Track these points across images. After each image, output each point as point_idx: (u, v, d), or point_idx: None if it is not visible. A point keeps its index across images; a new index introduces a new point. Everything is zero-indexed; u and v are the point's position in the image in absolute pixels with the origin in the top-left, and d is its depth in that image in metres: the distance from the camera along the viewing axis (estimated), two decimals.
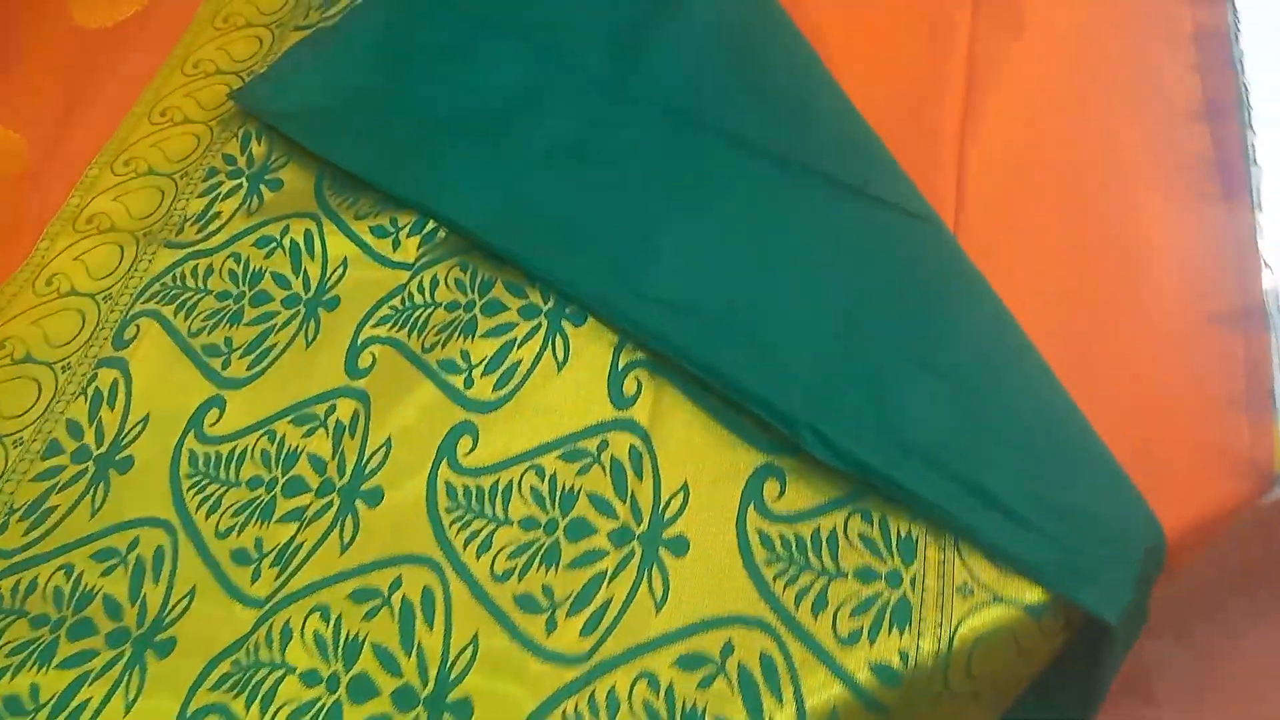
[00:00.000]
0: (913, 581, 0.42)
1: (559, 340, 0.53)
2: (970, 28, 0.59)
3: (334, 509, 0.49)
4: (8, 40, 0.79)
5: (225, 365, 0.56)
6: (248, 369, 0.56)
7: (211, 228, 0.63)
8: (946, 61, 0.58)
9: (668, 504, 0.46)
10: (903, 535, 0.44)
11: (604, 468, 0.48)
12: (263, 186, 0.64)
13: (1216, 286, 0.47)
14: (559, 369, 0.52)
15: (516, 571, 0.46)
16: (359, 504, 0.49)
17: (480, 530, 0.47)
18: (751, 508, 0.46)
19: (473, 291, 0.55)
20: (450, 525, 0.48)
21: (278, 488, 0.51)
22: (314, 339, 0.56)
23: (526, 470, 0.49)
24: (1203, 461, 0.44)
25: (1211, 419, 0.45)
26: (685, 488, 0.47)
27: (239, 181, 0.65)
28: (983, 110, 0.56)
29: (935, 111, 0.57)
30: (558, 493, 0.48)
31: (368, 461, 0.51)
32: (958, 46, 0.59)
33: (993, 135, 0.55)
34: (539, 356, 0.52)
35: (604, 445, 0.49)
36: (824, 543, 0.44)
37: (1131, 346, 0.47)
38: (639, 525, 0.46)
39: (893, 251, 0.51)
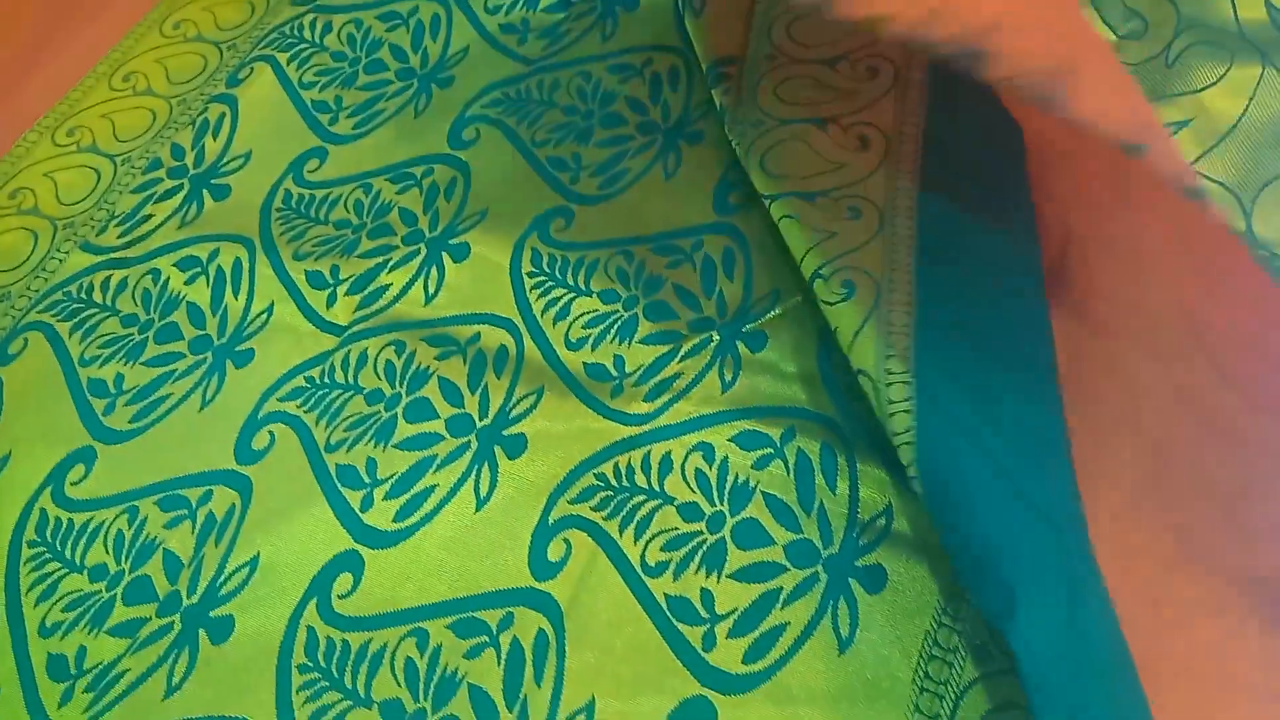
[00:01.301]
0: None
1: (486, 470, 0.43)
2: None
3: (173, 634, 0.41)
4: None
5: (109, 410, 0.48)
6: (130, 420, 0.47)
7: (137, 233, 0.53)
8: None
9: None
10: None
11: (499, 655, 0.38)
12: (205, 192, 0.55)
13: None
14: (478, 507, 0.42)
15: None
16: (202, 635, 0.40)
17: (331, 706, 0.38)
18: None
19: (400, 384, 0.46)
20: (298, 692, 0.38)
21: (119, 588, 0.42)
22: (212, 399, 0.47)
23: (407, 636, 0.39)
24: None
25: None
26: (590, 707, 0.37)
27: (180, 182, 0.55)
28: None
29: None
30: (435, 676, 0.38)
31: (226, 580, 0.41)
32: None
33: None
34: (458, 485, 0.43)
35: (507, 622, 0.39)
36: None
37: None
38: None
39: None
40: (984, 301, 0.40)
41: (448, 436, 0.44)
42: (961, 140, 0.45)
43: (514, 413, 0.44)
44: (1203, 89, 0.46)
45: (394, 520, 0.42)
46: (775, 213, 0.44)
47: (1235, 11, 0.48)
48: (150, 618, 0.41)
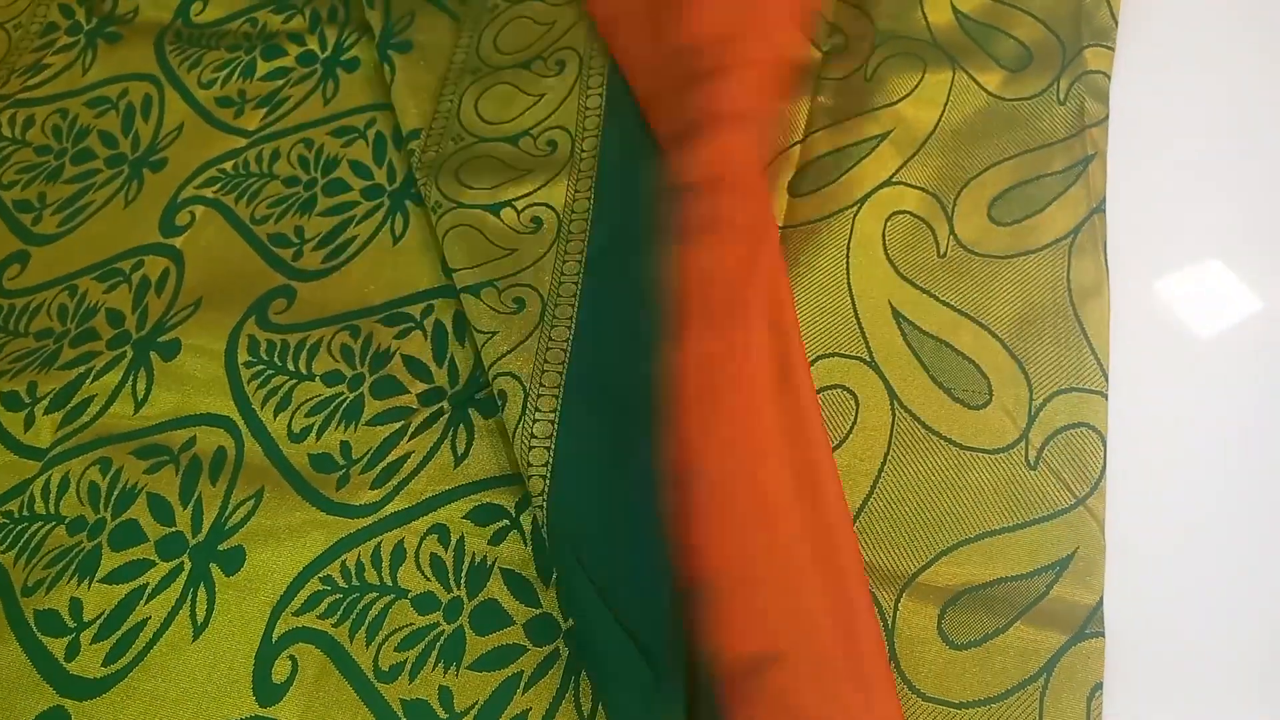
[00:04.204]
0: None
1: (203, 592, 0.39)
2: None
3: None
4: None
5: None
6: None
7: None
8: None
9: None
10: None
11: None
12: None
13: None
14: (195, 634, 0.38)
15: None
16: None
17: None
18: None
19: (105, 508, 0.41)
20: None
21: None
22: None
23: None
24: None
25: None
26: None
27: None
28: None
29: None
30: None
31: None
32: None
33: None
34: (172, 615, 0.39)
35: None
36: None
37: None
38: None
39: None
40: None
41: (158, 561, 0.40)
42: (628, 217, 0.45)
43: (230, 523, 0.40)
44: (900, 100, 0.47)
45: (104, 664, 0.38)
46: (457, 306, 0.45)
47: (926, 19, 0.49)
48: None
